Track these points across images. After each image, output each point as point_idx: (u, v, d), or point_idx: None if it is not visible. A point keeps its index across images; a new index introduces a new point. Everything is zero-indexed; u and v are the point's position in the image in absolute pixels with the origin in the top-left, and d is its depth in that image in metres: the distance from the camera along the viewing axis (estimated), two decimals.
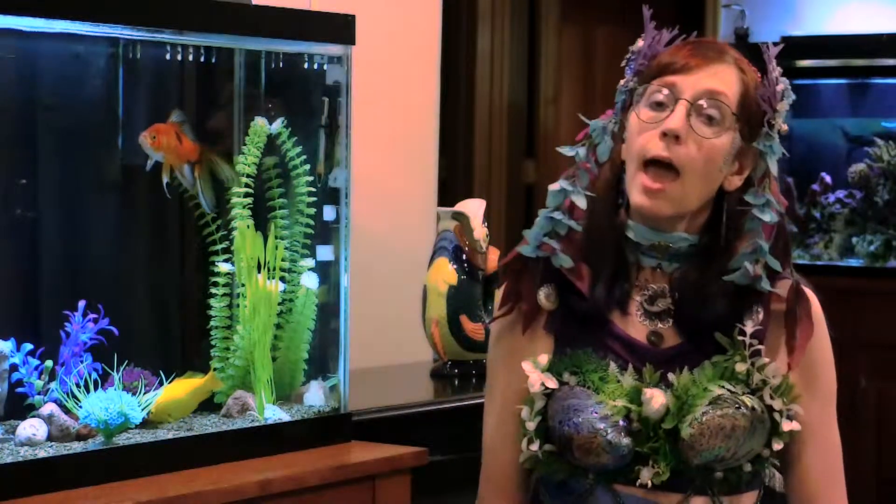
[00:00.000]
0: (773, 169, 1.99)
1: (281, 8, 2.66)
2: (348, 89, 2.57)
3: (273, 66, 2.62)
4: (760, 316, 1.96)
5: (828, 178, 5.44)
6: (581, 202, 1.98)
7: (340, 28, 2.55)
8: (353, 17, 2.55)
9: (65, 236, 2.50)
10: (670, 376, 1.94)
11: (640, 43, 2.03)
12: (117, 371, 2.32)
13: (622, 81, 2.03)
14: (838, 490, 2.03)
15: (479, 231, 3.24)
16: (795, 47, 5.55)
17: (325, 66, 2.58)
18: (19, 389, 2.27)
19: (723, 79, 1.95)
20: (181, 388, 2.40)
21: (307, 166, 2.59)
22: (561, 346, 1.99)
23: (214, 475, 2.28)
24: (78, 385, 2.29)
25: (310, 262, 2.60)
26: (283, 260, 2.53)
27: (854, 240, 5.33)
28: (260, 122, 2.53)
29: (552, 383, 1.96)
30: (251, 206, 2.53)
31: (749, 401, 1.91)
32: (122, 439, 2.27)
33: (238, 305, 2.53)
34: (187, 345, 2.67)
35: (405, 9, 3.66)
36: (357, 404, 2.65)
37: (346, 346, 2.58)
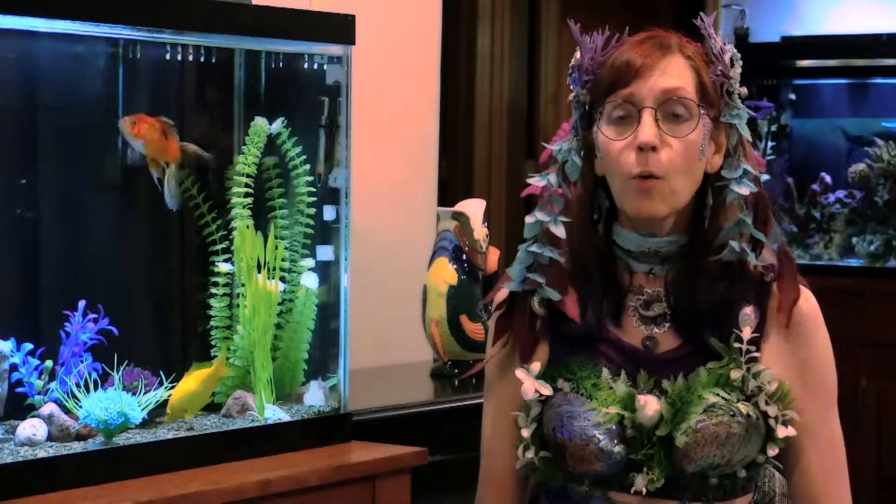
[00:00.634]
0: (746, 133, 1.98)
1: (281, 8, 2.66)
2: (348, 89, 2.57)
3: (273, 66, 2.62)
4: (756, 313, 1.96)
5: (828, 178, 5.44)
6: (560, 231, 1.98)
7: (340, 28, 2.55)
8: (353, 17, 2.55)
9: (65, 236, 2.50)
10: (665, 382, 1.93)
11: (577, 56, 2.01)
12: (117, 371, 2.32)
13: (571, 95, 2.02)
14: (841, 488, 2.02)
15: (479, 231, 3.24)
16: (795, 47, 5.56)
17: (325, 66, 2.58)
18: (19, 389, 2.27)
19: (675, 73, 1.94)
20: (193, 381, 2.39)
21: (307, 166, 2.59)
22: (556, 350, 1.99)
23: (214, 475, 2.28)
24: (78, 385, 2.29)
25: (310, 262, 2.60)
26: (283, 260, 2.53)
27: (854, 240, 5.33)
28: (260, 122, 2.53)
29: (546, 390, 1.95)
30: (251, 206, 2.53)
31: (744, 408, 1.90)
32: (122, 439, 2.27)
33: (238, 305, 2.54)
34: (187, 345, 2.67)
35: (405, 9, 3.66)
36: (357, 404, 2.65)
37: (346, 346, 2.58)
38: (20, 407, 2.27)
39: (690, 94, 1.93)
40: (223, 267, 2.54)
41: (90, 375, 2.30)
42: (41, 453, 2.16)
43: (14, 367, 2.26)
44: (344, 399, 2.57)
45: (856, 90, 5.62)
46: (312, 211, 2.59)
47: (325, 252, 2.60)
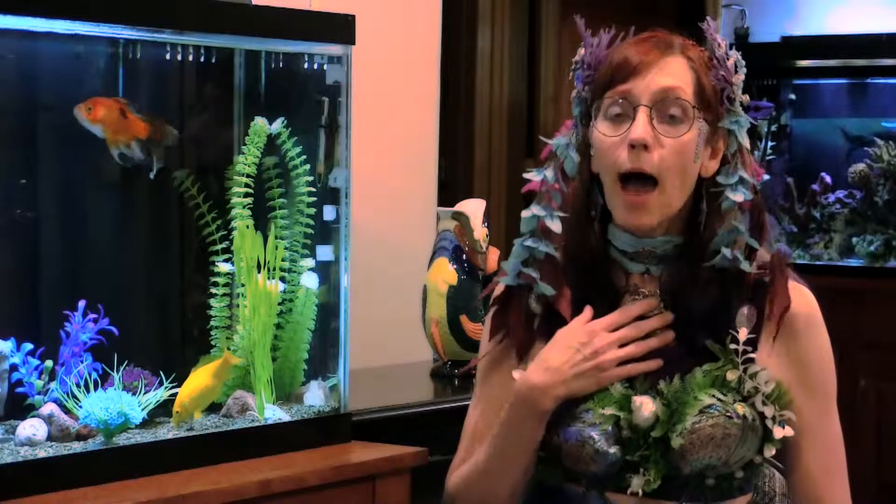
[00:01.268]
0: (745, 142, 1.97)
1: (281, 8, 2.66)
2: (348, 89, 2.57)
3: (273, 66, 2.62)
4: (754, 312, 1.96)
5: (828, 178, 5.44)
6: (556, 227, 1.98)
7: (340, 28, 2.55)
8: (353, 17, 2.55)
9: (65, 236, 2.50)
10: (661, 383, 1.93)
11: (581, 52, 2.01)
12: (117, 371, 2.32)
13: (574, 92, 2.02)
14: (841, 489, 2.02)
15: (479, 231, 3.24)
16: (795, 47, 5.56)
17: (325, 66, 2.58)
18: (19, 389, 2.27)
19: (674, 73, 1.93)
20: (203, 376, 2.39)
21: (307, 166, 2.59)
22: None
23: (214, 475, 2.28)
24: (78, 385, 2.29)
25: (310, 262, 2.60)
26: (283, 260, 2.53)
27: (854, 240, 5.33)
28: (260, 122, 2.53)
29: None
30: (251, 206, 2.53)
31: (741, 409, 1.90)
32: (122, 439, 2.27)
33: (238, 305, 2.53)
34: (187, 345, 2.67)
35: (405, 9, 3.66)
36: (357, 404, 2.65)
37: (346, 346, 2.58)
38: (20, 407, 2.27)
39: (687, 95, 1.92)
40: (223, 267, 2.54)
41: (90, 375, 2.30)
42: (41, 453, 2.16)
43: (14, 367, 2.26)
44: (344, 399, 2.57)
45: (856, 90, 5.62)
46: (312, 211, 2.59)
47: (325, 252, 2.60)
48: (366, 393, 2.86)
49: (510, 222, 4.72)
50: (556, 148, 2.01)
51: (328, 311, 2.61)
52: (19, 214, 2.42)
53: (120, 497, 2.13)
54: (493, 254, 3.30)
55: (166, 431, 2.35)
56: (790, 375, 1.96)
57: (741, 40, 5.54)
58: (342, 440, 2.54)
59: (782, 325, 1.95)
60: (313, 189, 2.60)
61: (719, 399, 1.90)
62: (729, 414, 1.89)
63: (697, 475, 1.91)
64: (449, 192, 4.28)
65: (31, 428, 2.20)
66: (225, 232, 2.54)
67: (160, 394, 2.35)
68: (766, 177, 2.02)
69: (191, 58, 2.48)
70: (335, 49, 2.57)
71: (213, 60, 2.54)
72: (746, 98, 1.99)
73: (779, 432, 1.92)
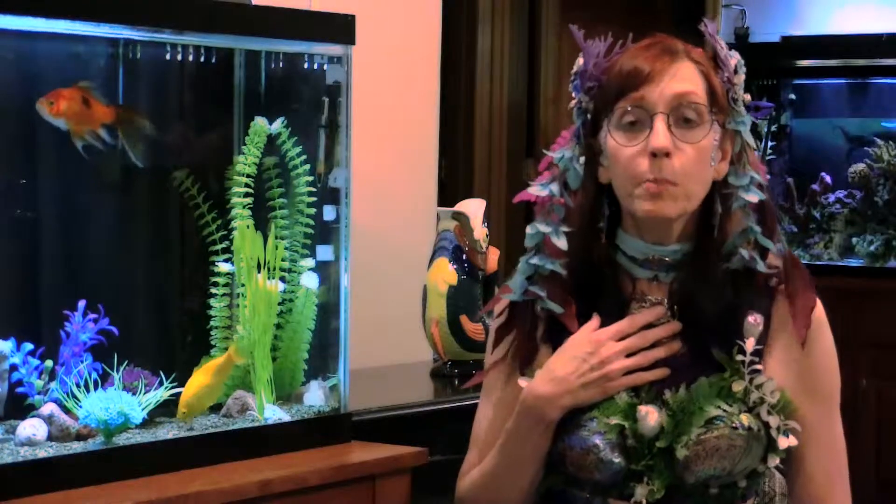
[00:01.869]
0: (750, 140, 1.97)
1: (281, 8, 2.66)
2: (348, 89, 2.57)
3: (273, 66, 2.62)
4: (760, 320, 1.95)
5: (828, 178, 5.44)
6: (562, 244, 1.97)
7: (340, 28, 2.55)
8: (353, 17, 2.55)
9: (65, 236, 2.50)
10: (666, 393, 1.93)
11: (580, 62, 2.00)
12: (117, 371, 2.32)
13: (573, 102, 2.01)
14: (843, 492, 2.02)
15: (479, 231, 3.24)
16: (795, 47, 5.56)
17: (325, 66, 2.58)
18: (19, 389, 2.27)
19: (686, 77, 1.93)
20: (205, 374, 2.38)
21: (307, 166, 2.59)
22: None
23: (214, 475, 2.28)
24: (78, 385, 2.29)
25: (310, 262, 2.60)
26: (283, 260, 2.53)
27: (854, 240, 5.33)
28: (260, 122, 2.53)
29: None
30: (251, 206, 2.53)
31: (746, 419, 1.90)
32: (122, 439, 2.26)
33: (238, 305, 2.53)
34: (187, 345, 2.67)
35: (405, 9, 3.66)
36: (357, 404, 2.65)
37: (346, 346, 2.58)
38: (20, 407, 2.27)
39: (702, 99, 1.92)
40: (223, 267, 2.54)
41: (90, 375, 2.30)
42: (41, 453, 2.16)
43: (14, 367, 2.26)
44: (344, 399, 2.57)
45: (856, 90, 5.62)
46: (312, 211, 2.59)
47: (325, 252, 2.60)
48: (366, 393, 2.86)
49: (510, 222, 4.72)
50: (560, 161, 2.00)
51: (328, 311, 2.61)
52: (19, 214, 2.42)
53: (120, 497, 2.13)
54: (493, 254, 3.30)
55: (166, 431, 2.35)
56: (795, 380, 1.95)
57: (741, 40, 5.54)
58: (342, 440, 2.54)
59: (803, 334, 1.95)
60: (313, 189, 2.60)
61: (725, 410, 1.89)
62: (734, 425, 1.89)
63: (701, 485, 1.91)
64: (449, 192, 4.28)
65: (31, 428, 2.20)
66: (225, 232, 2.54)
67: (160, 394, 2.35)
68: (767, 176, 2.02)
69: (191, 58, 2.47)
70: (335, 49, 2.57)
71: (213, 60, 2.54)
72: (748, 97, 1.99)
73: (783, 442, 1.92)
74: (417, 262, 3.40)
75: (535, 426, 1.94)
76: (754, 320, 1.94)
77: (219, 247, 2.55)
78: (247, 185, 2.52)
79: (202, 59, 2.50)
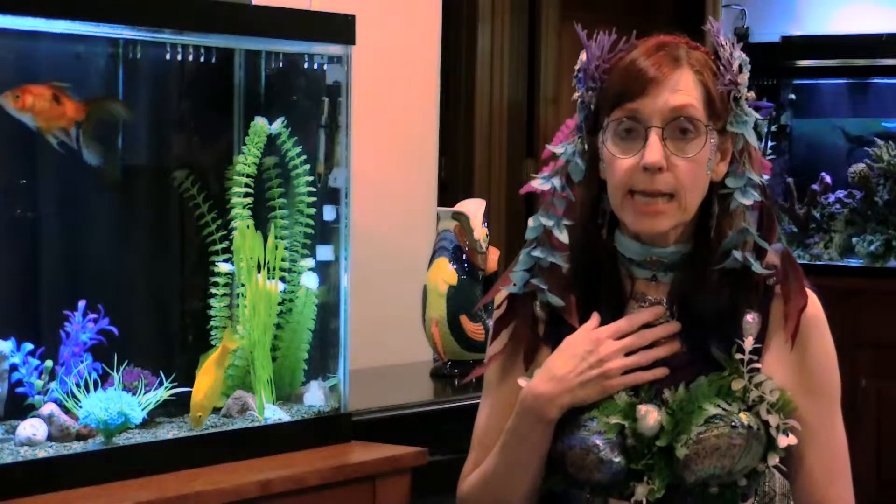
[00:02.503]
0: (752, 139, 1.96)
1: (281, 8, 2.66)
2: (348, 89, 2.57)
3: (273, 66, 2.62)
4: (758, 318, 1.95)
5: (828, 178, 5.44)
6: (563, 237, 1.97)
7: (340, 28, 2.55)
8: (353, 17, 2.55)
9: (65, 236, 2.50)
10: (666, 392, 1.93)
11: (583, 57, 1.99)
12: (117, 371, 2.32)
13: (576, 95, 2.00)
14: (844, 492, 2.01)
15: (479, 231, 3.24)
16: (795, 47, 5.56)
17: (325, 66, 2.58)
18: (19, 389, 2.27)
19: (684, 90, 1.91)
20: (206, 373, 2.38)
21: (307, 166, 2.59)
22: None
23: (214, 475, 2.28)
24: (78, 385, 2.29)
25: (310, 262, 2.60)
26: (283, 260, 2.53)
27: (854, 240, 5.33)
28: (260, 122, 2.53)
29: None
30: (251, 206, 2.53)
31: (745, 418, 1.90)
32: (122, 439, 2.27)
33: (238, 305, 2.53)
34: (187, 345, 2.67)
35: (405, 9, 3.66)
36: (357, 404, 2.65)
37: (346, 346, 2.58)
38: (20, 407, 2.27)
39: (699, 112, 1.91)
40: (223, 267, 2.54)
41: (90, 375, 2.30)
42: (41, 453, 2.16)
43: (14, 367, 2.26)
44: (344, 399, 2.57)
45: (856, 90, 5.63)
46: (312, 211, 2.59)
47: (325, 252, 2.60)
48: (366, 393, 2.86)
49: (510, 222, 4.73)
50: (562, 154, 2.00)
51: (328, 311, 2.61)
52: (19, 214, 2.42)
53: (120, 497, 2.13)
54: (493, 254, 3.30)
55: (166, 431, 2.35)
56: (795, 379, 1.95)
57: (741, 40, 5.52)
58: (342, 440, 2.54)
59: (794, 331, 1.94)
60: (313, 189, 2.60)
61: (724, 409, 1.89)
62: (734, 424, 1.88)
63: (701, 484, 1.91)
64: (449, 192, 4.28)
65: (31, 428, 2.20)
66: (225, 232, 2.54)
67: (160, 394, 2.35)
68: (767, 176, 2.02)
69: (191, 58, 2.47)
70: (335, 49, 2.57)
71: (213, 60, 2.54)
72: (752, 95, 1.98)
73: (783, 441, 1.92)
74: (417, 262, 3.40)
75: (535, 425, 1.94)
76: (752, 319, 1.94)
77: (219, 247, 2.55)
78: (247, 185, 2.53)
79: (202, 59, 2.50)
